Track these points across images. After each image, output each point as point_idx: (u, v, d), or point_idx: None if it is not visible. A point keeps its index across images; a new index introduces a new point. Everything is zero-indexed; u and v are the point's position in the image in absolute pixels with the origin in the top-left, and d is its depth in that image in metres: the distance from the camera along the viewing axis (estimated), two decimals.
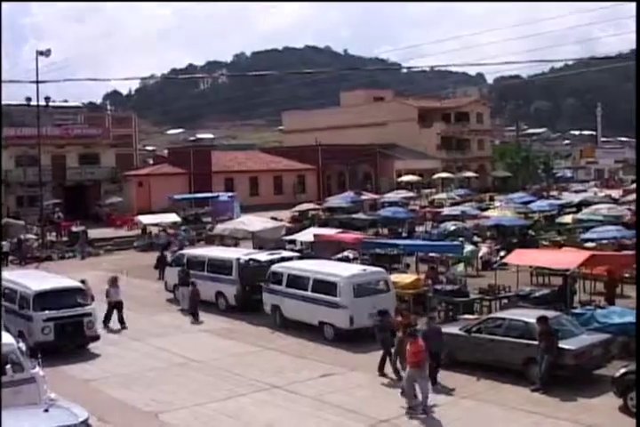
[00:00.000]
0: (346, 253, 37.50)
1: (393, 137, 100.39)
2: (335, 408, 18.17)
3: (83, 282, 27.65)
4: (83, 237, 52.47)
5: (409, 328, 19.91)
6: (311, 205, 65.45)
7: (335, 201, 66.87)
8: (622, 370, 18.73)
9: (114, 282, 29.81)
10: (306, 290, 26.67)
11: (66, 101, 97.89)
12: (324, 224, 51.28)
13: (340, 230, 42.53)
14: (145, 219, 55.45)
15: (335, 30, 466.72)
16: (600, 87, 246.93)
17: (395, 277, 29.74)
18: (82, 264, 46.68)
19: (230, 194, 66.91)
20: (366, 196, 72.61)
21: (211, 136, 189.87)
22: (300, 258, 32.33)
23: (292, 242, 42.67)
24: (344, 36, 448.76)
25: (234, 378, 21.76)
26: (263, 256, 31.77)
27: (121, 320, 28.96)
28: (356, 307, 25.11)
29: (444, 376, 21.35)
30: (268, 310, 28.81)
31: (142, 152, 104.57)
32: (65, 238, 53.37)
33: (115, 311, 29.13)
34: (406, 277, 31.02)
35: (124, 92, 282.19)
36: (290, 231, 45.73)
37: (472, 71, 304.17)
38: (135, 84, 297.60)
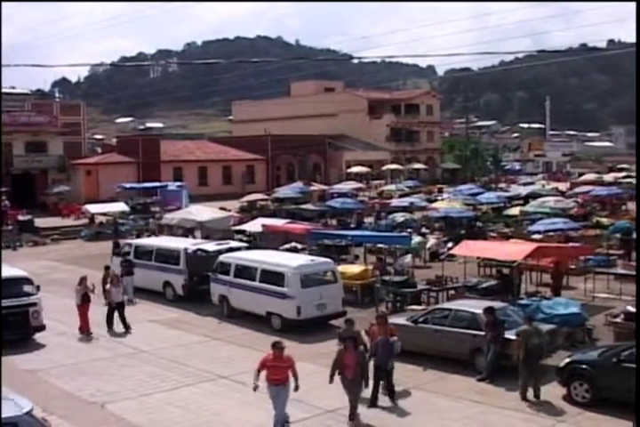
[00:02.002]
0: (294, 244, 37.48)
1: (343, 128, 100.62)
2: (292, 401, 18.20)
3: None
4: (15, 228, 51.88)
5: (383, 338, 18.78)
6: (260, 196, 65.37)
7: (284, 192, 66.76)
8: (566, 360, 19.08)
9: (115, 281, 27.45)
10: (253, 280, 26.69)
11: (13, 88, 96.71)
12: (272, 215, 51.20)
13: (288, 221, 42.50)
14: (93, 208, 54.87)
15: (287, 20, 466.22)
16: (549, 81, 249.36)
17: (343, 268, 29.90)
18: (28, 254, 46.13)
19: (179, 183, 66.49)
20: (315, 186, 72.67)
21: (160, 125, 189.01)
22: (248, 248, 32.30)
23: (241, 232, 42.58)
24: (296, 26, 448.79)
25: (181, 368, 21.70)
26: (211, 246, 31.68)
27: (124, 322, 26.66)
28: (304, 297, 25.25)
29: None
30: (215, 300, 28.78)
31: (91, 141, 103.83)
32: (10, 227, 52.71)
33: (116, 313, 26.96)
34: (354, 268, 31.19)
35: (74, 79, 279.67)
36: (238, 221, 45.67)
37: (423, 63, 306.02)
38: (84, 72, 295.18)
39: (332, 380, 17.37)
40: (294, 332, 24.80)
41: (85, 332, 25.97)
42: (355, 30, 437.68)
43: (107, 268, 29.68)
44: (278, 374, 16.36)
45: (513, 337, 20.10)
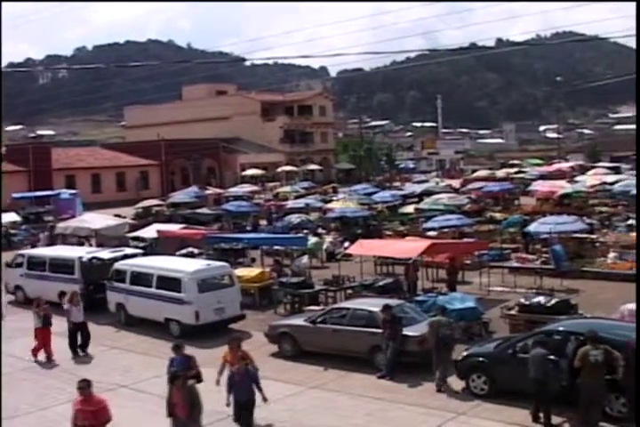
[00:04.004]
0: (190, 249, 37.22)
1: (236, 131, 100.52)
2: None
3: None
4: None
5: (241, 367, 16.63)
6: (155, 201, 64.64)
7: (179, 196, 66.26)
8: (464, 353, 19.41)
9: (73, 299, 24.97)
10: (150, 287, 26.40)
11: None
12: (167, 220, 50.73)
13: (184, 226, 42.19)
14: None
15: (178, 23, 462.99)
16: (440, 79, 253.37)
17: (240, 272, 29.84)
18: None
19: (72, 191, 65.45)
20: (210, 190, 72.48)
21: (51, 133, 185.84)
22: (143, 255, 31.95)
23: (136, 239, 42.08)
24: (187, 29, 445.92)
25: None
26: (106, 254, 31.24)
27: (84, 345, 24.57)
28: (201, 302, 25.09)
29: (291, 368, 21.58)
30: (112, 308, 28.37)
31: None
32: None
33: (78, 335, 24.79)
34: (251, 271, 31.12)
35: None
36: (133, 228, 45.16)
37: (315, 64, 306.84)
38: None
39: (169, 415, 15.56)
40: (193, 337, 24.56)
41: (46, 356, 23.85)
42: (247, 32, 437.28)
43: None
44: None
45: (411, 334, 20.39)
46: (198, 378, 16.89)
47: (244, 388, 16.28)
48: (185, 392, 15.28)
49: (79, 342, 24.46)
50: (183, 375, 15.65)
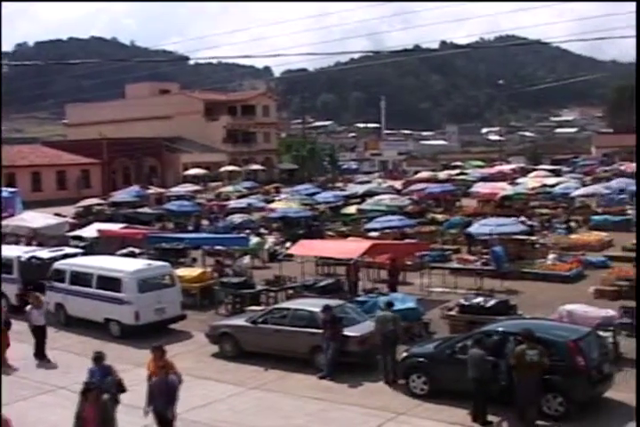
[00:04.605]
0: (131, 249, 36.93)
1: (179, 130, 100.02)
2: (121, 406, 17.88)
3: None
4: None
5: (160, 378, 15.92)
6: (96, 200, 63.94)
7: (120, 196, 65.71)
8: (404, 354, 19.46)
9: (36, 301, 24.08)
10: (90, 287, 26.11)
11: None
12: (108, 219, 50.23)
13: (125, 225, 41.86)
14: None
15: (123, 21, 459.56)
16: (384, 81, 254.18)
17: (181, 272, 29.71)
18: None
19: (12, 190, 64.48)
20: (152, 190, 72.05)
21: None
22: (83, 254, 31.62)
23: (77, 238, 41.62)
24: (132, 27, 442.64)
25: (18, 382, 20.92)
26: (45, 253, 30.85)
27: (40, 351, 23.59)
28: (142, 302, 24.90)
29: (232, 368, 21.51)
30: (51, 308, 27.93)
31: None
32: None
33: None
34: (192, 271, 30.99)
35: None
36: (74, 227, 44.71)
37: (259, 64, 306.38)
38: None
39: None
40: (133, 338, 24.39)
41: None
42: (192, 31, 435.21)
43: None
44: None
45: (352, 334, 20.45)
46: (121, 389, 16.38)
47: (163, 399, 15.59)
48: (97, 407, 14.23)
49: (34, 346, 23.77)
50: (97, 388, 14.56)
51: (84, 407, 14.20)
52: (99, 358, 16.93)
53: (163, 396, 15.53)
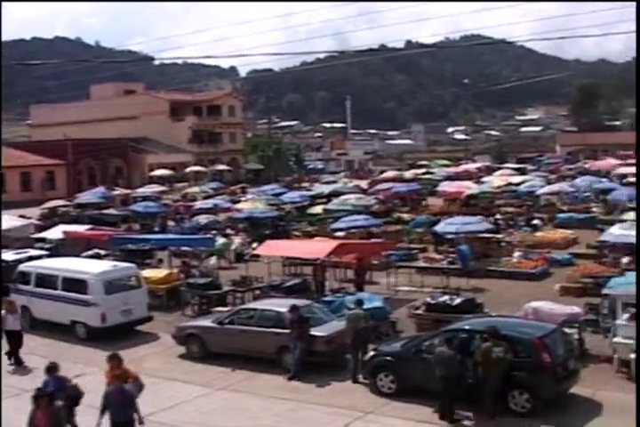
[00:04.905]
0: (97, 250, 36.73)
1: (145, 131, 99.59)
2: (88, 408, 17.66)
3: None
4: None
5: (115, 387, 15.39)
6: (61, 202, 63.54)
7: (86, 197, 65.21)
8: (371, 352, 19.49)
9: (10, 306, 23.38)
10: (56, 289, 25.94)
11: None
12: (74, 221, 49.87)
13: (90, 227, 41.60)
14: None
15: (87, 21, 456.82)
16: (350, 80, 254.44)
17: (147, 273, 29.57)
18: None
19: None
20: (118, 191, 71.61)
21: None
22: (49, 256, 31.44)
23: (42, 240, 41.32)
24: (96, 27, 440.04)
25: None
26: (10, 256, 30.68)
27: (13, 355, 23.02)
28: (108, 304, 24.76)
29: (199, 369, 21.47)
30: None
31: None
32: None
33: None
34: (159, 272, 30.88)
35: None
36: (39, 229, 44.41)
37: (225, 64, 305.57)
38: None
39: None
40: (100, 340, 24.25)
41: None
42: (157, 31, 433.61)
43: None
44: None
45: (319, 334, 20.48)
46: (77, 398, 16.02)
47: (119, 408, 15.04)
48: (49, 414, 13.89)
49: (7, 350, 23.33)
50: (49, 395, 14.16)
51: (35, 414, 13.91)
52: (52, 368, 16.49)
53: (119, 406, 15.03)
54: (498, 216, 46.80)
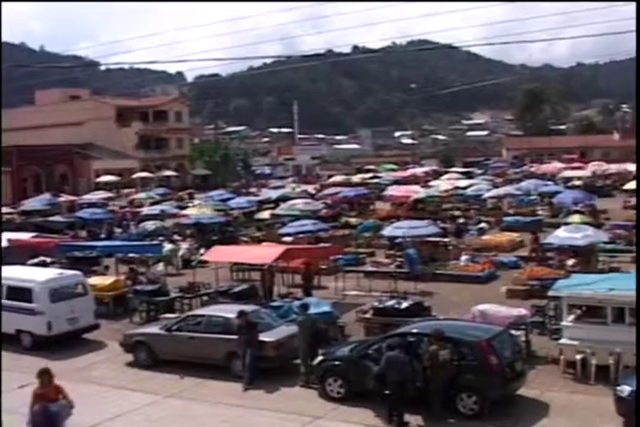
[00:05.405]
0: (42, 258, 36.32)
1: (90, 137, 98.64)
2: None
3: None
4: None
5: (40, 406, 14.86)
6: (5, 209, 62.71)
7: (31, 204, 64.61)
8: (319, 357, 19.47)
9: None
10: (0, 298, 25.61)
11: None
12: (18, 228, 49.22)
13: (35, 234, 41.09)
14: None
15: (31, 25, 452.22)
16: (297, 86, 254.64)
17: (93, 280, 29.28)
18: None
19: None
20: (64, 197, 70.94)
21: None
22: None
23: None
24: (37, 30, 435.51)
25: None
26: None
27: None
28: (54, 312, 24.44)
29: (147, 377, 21.33)
30: None
31: None
32: None
33: None
34: (105, 280, 30.58)
35: None
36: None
37: (172, 69, 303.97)
38: None
39: None
40: (46, 349, 23.95)
41: None
42: (104, 35, 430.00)
43: None
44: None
45: (267, 339, 20.44)
46: None
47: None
48: None
49: None
50: None
51: None
52: None
53: (42, 425, 14.56)
54: (461, 221, 47.20)
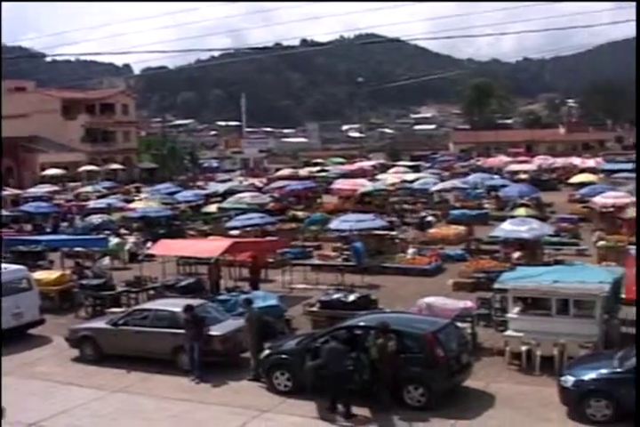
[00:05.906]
0: None
1: (36, 129, 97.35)
2: None
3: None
4: None
5: None
6: None
7: None
8: (266, 351, 19.45)
9: None
10: None
11: None
12: None
13: None
14: None
15: None
16: (245, 79, 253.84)
17: (38, 275, 28.96)
18: None
19: None
20: (8, 191, 69.99)
21: None
22: None
23: None
24: None
25: None
26: None
27: None
28: None
29: (94, 372, 21.18)
30: None
31: None
32: None
33: None
34: (50, 274, 30.28)
35: None
36: None
37: (119, 62, 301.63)
38: None
39: None
40: None
41: None
42: (50, 27, 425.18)
43: None
44: None
45: (214, 333, 20.41)
46: None
47: None
48: None
49: None
50: None
51: None
52: None
53: None
54: (423, 214, 47.49)
